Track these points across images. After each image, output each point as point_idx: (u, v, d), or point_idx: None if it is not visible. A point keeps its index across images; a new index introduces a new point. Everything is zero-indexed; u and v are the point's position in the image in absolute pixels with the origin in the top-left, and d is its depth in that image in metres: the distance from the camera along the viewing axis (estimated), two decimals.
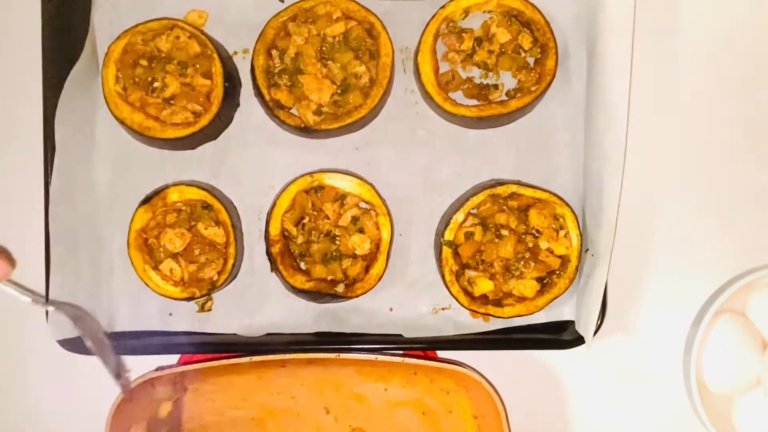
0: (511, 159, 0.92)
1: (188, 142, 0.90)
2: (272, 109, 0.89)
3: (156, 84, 0.88)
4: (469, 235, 0.88)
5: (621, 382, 0.95)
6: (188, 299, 0.89)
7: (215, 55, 0.88)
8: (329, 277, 0.89)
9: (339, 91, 0.89)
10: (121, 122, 0.88)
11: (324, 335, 0.91)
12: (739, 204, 0.95)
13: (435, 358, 0.91)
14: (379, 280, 0.89)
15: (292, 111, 0.90)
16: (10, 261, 0.77)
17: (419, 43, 0.90)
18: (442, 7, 0.89)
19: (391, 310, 0.92)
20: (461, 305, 0.89)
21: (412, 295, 0.92)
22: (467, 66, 0.91)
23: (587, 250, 0.89)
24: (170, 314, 0.92)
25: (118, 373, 0.86)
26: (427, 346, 0.91)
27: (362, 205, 0.91)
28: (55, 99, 0.86)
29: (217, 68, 0.88)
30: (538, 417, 0.95)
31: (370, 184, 0.90)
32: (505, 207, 0.89)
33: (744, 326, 0.91)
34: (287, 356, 0.88)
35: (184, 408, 0.92)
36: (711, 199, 0.95)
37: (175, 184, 0.90)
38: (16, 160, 0.93)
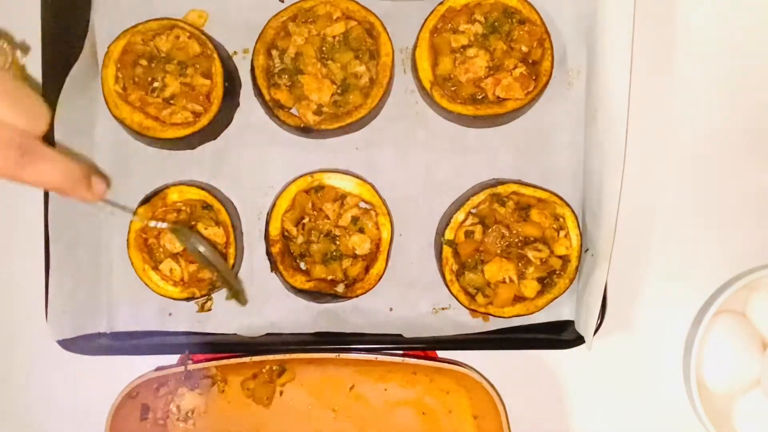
0: (511, 159, 0.92)
1: (188, 142, 0.90)
2: (272, 109, 0.89)
3: (156, 84, 0.88)
4: (469, 235, 0.88)
5: (621, 381, 0.95)
6: (188, 299, 0.89)
7: (215, 55, 0.88)
8: (329, 277, 0.89)
9: (339, 91, 0.89)
10: (121, 122, 0.88)
11: (324, 335, 0.91)
12: (739, 204, 0.95)
13: (435, 358, 0.91)
14: (379, 280, 0.89)
15: (292, 111, 0.90)
16: (105, 179, 0.74)
17: (417, 39, 0.89)
18: (441, 3, 0.89)
19: (391, 309, 0.92)
20: (461, 305, 0.89)
21: (412, 295, 0.92)
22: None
23: (587, 250, 0.89)
24: (170, 314, 0.92)
25: (231, 284, 0.85)
26: (427, 346, 0.91)
27: (362, 205, 0.91)
28: (54, 99, 0.86)
29: (217, 68, 0.88)
30: (538, 417, 0.95)
31: (370, 184, 0.90)
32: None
33: (744, 326, 0.91)
34: (287, 356, 0.88)
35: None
36: (711, 199, 0.95)
37: (175, 184, 0.90)
38: None
